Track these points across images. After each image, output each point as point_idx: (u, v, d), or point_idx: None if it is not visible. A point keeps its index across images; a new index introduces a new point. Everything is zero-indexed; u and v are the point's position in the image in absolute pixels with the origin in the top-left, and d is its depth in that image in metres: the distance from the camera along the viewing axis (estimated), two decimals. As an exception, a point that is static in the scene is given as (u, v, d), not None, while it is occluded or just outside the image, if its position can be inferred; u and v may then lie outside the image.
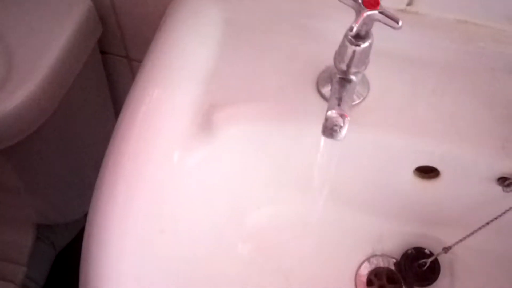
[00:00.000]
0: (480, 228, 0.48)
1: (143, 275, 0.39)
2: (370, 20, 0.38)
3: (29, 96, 0.52)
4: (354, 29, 0.37)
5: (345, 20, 0.40)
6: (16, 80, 0.52)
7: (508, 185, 0.45)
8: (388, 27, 0.38)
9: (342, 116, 0.40)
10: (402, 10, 0.50)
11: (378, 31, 0.39)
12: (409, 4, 0.50)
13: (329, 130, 0.40)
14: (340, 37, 0.42)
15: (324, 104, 0.46)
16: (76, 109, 0.65)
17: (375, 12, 0.37)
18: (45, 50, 0.54)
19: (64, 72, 0.56)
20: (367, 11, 0.37)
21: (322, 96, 0.47)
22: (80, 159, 0.77)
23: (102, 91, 0.72)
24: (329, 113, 0.40)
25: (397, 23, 0.37)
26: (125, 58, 0.69)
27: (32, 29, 0.55)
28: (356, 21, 0.37)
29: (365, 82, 0.47)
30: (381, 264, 0.54)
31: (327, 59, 0.46)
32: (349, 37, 0.40)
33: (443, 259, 0.52)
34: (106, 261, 0.38)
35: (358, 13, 0.37)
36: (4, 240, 0.87)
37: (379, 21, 0.37)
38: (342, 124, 0.40)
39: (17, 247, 0.88)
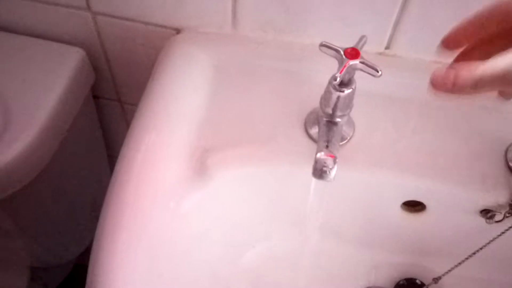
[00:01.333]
0: (467, 258, 0.49)
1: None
2: (352, 70, 0.40)
3: (26, 148, 0.53)
4: (338, 79, 0.40)
5: (327, 63, 0.42)
6: (12, 132, 0.53)
7: (490, 217, 0.47)
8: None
9: (331, 157, 0.42)
10: (381, 53, 0.53)
11: (361, 73, 0.41)
12: (387, 47, 0.52)
13: (319, 171, 0.42)
14: (324, 78, 0.44)
15: (313, 145, 0.48)
16: (70, 155, 0.66)
17: (357, 62, 0.39)
18: (40, 101, 0.55)
19: (59, 122, 0.57)
20: (349, 61, 0.39)
21: (310, 137, 0.49)
22: (74, 202, 0.77)
23: (95, 134, 0.73)
24: (318, 155, 0.42)
25: (377, 71, 0.39)
26: (117, 101, 0.71)
27: (27, 81, 0.57)
28: (339, 70, 0.40)
29: (350, 122, 0.50)
30: (375, 296, 0.55)
31: (313, 101, 0.48)
32: (333, 84, 0.42)
33: (433, 289, 0.54)
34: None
35: (341, 63, 0.40)
36: (-1, 284, 0.87)
37: (361, 70, 0.40)
38: (331, 166, 0.42)
39: (12, 291, 0.87)
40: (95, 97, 0.70)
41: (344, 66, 0.39)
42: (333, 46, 0.40)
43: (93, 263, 0.42)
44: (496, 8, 0.33)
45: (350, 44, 0.41)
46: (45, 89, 0.56)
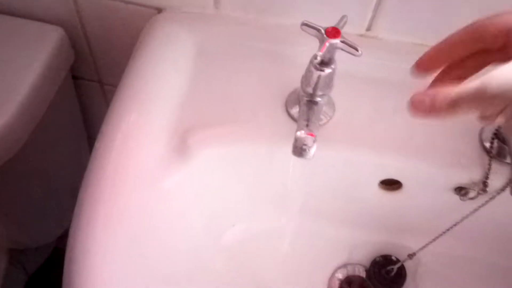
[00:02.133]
0: (441, 235, 0.51)
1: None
2: (333, 49, 0.41)
3: (3, 126, 0.52)
4: (318, 57, 0.40)
5: (310, 45, 0.43)
6: (-9, 109, 0.53)
7: (464, 194, 0.49)
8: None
9: (310, 136, 0.42)
10: (362, 35, 0.54)
11: (341, 54, 0.42)
12: (368, 29, 0.53)
13: (299, 149, 0.43)
14: (305, 60, 0.45)
15: (293, 124, 0.49)
16: (49, 135, 0.65)
17: (337, 41, 0.40)
18: (18, 80, 0.55)
19: (38, 101, 0.57)
20: (330, 40, 0.40)
21: (291, 116, 0.50)
22: (53, 185, 0.77)
23: (74, 115, 0.72)
24: (298, 133, 0.43)
25: (357, 50, 0.40)
26: (97, 82, 0.70)
27: (5, 59, 0.56)
28: (320, 49, 0.40)
29: (331, 103, 0.50)
30: (353, 272, 0.57)
31: (294, 82, 0.49)
32: (314, 63, 0.43)
33: (409, 265, 0.56)
34: (89, 284, 0.39)
35: (322, 42, 0.40)
36: (-24, 267, 0.86)
37: (341, 49, 0.40)
38: (310, 144, 0.42)
39: (-11, 273, 0.87)
40: (75, 77, 0.69)
41: (325, 45, 0.40)
42: (314, 25, 0.40)
43: (71, 242, 0.42)
44: (466, 31, 0.34)
45: (331, 25, 0.41)
46: (23, 68, 0.56)
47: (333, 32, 0.40)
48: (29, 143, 0.59)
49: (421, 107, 0.32)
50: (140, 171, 0.45)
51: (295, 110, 0.49)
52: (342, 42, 0.40)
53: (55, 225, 0.87)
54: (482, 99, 0.30)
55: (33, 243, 0.90)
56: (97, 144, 0.47)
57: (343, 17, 0.42)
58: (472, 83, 0.30)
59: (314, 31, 0.41)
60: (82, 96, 0.73)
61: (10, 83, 0.55)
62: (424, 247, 0.52)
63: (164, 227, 0.47)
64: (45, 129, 0.62)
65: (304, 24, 0.41)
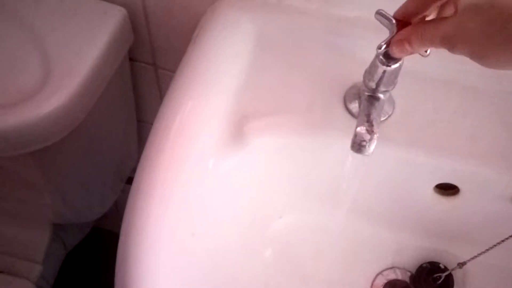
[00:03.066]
0: (495, 246, 0.49)
1: (176, 275, 0.41)
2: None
3: (64, 102, 0.53)
4: (383, 47, 0.39)
5: (373, 39, 0.42)
6: (52, 86, 0.54)
7: (525, 205, 0.47)
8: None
9: (370, 132, 0.42)
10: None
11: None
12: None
13: (358, 145, 0.42)
14: (366, 54, 0.44)
15: (350, 119, 0.48)
16: (103, 115, 0.66)
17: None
18: (81, 58, 0.56)
19: (97, 80, 0.58)
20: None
21: (349, 111, 0.49)
22: (101, 164, 0.79)
23: (127, 95, 0.74)
24: (359, 129, 0.42)
25: (426, 51, 0.39)
26: (151, 65, 0.71)
27: (69, 36, 0.57)
28: (386, 40, 0.39)
29: (390, 100, 0.49)
30: (397, 277, 0.55)
31: (354, 76, 0.48)
32: (381, 57, 0.42)
33: (457, 274, 0.54)
34: (143, 260, 0.40)
35: (393, 33, 0.39)
36: (22, 238, 0.89)
37: None
38: (370, 140, 0.41)
39: (34, 245, 0.89)
40: (131, 59, 0.70)
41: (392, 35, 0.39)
42: (388, 15, 0.39)
43: (127, 219, 0.43)
44: None
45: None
46: (86, 45, 0.57)
47: (405, 25, 0.39)
48: (84, 122, 0.60)
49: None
50: (196, 154, 0.46)
51: (353, 105, 0.48)
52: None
53: (98, 204, 0.89)
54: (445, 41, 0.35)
55: (77, 219, 0.92)
56: (155, 125, 0.47)
57: None
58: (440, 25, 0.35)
59: (386, 22, 0.40)
60: (136, 79, 0.74)
61: (71, 60, 0.56)
62: (476, 257, 0.50)
63: (215, 210, 0.48)
64: (99, 109, 0.63)
65: (379, 13, 0.40)
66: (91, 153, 0.72)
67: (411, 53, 0.38)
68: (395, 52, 0.39)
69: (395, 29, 0.39)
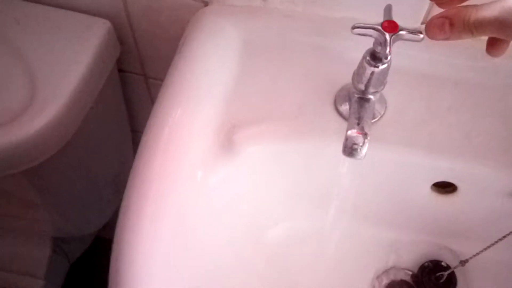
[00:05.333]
0: (497, 242, 0.48)
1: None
2: (395, 41, 0.38)
3: (51, 119, 0.53)
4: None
5: (361, 39, 0.41)
6: (39, 103, 0.53)
7: (525, 200, 0.46)
8: (403, 46, 0.39)
9: (362, 135, 0.41)
10: (416, 29, 0.51)
11: (393, 49, 0.40)
12: (423, 22, 0.51)
13: (349, 149, 0.41)
14: (354, 55, 0.43)
15: (342, 122, 0.47)
16: (95, 128, 0.66)
17: (400, 33, 0.38)
18: (67, 73, 0.55)
19: (85, 94, 0.57)
20: (392, 34, 0.38)
21: (340, 114, 0.48)
22: (97, 175, 0.78)
23: (119, 108, 0.73)
24: (349, 132, 0.41)
25: (420, 34, 0.38)
26: (142, 76, 0.70)
27: (54, 52, 0.56)
28: (386, 49, 0.38)
29: (382, 99, 0.48)
30: (398, 277, 0.54)
31: (344, 78, 0.47)
32: (368, 58, 0.41)
33: (460, 272, 0.53)
34: (135, 280, 0.39)
35: (383, 39, 0.38)
36: (22, 253, 0.89)
37: (404, 39, 0.38)
38: (362, 143, 0.41)
39: (34, 260, 0.89)
40: (120, 70, 0.69)
41: (389, 40, 0.37)
42: (368, 25, 0.38)
43: (119, 234, 0.42)
44: None
45: (378, 18, 0.39)
46: (72, 60, 0.56)
47: (390, 26, 0.38)
48: (76, 136, 0.60)
49: (439, 32, 0.33)
50: (186, 167, 0.45)
51: (344, 107, 0.48)
52: (404, 31, 0.38)
53: (98, 216, 0.89)
54: (502, 26, 0.30)
55: (76, 232, 0.92)
56: (144, 138, 0.46)
57: (387, 7, 0.40)
58: (493, 7, 0.30)
59: (370, 31, 0.38)
60: (127, 90, 0.73)
61: (58, 76, 0.55)
62: (478, 254, 0.49)
63: (208, 223, 0.47)
64: (91, 122, 0.62)
65: (356, 27, 0.38)
66: (85, 167, 0.71)
67: (446, 38, 0.33)
68: (431, 32, 0.34)
69: (384, 34, 0.38)
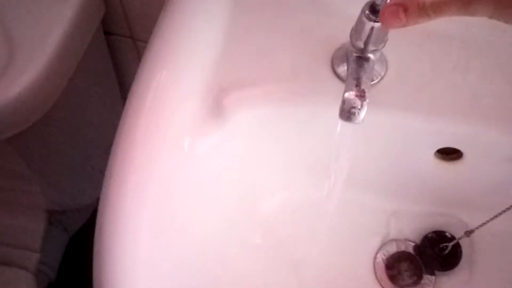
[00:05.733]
0: (504, 211, 0.46)
1: (156, 264, 0.38)
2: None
3: (32, 82, 0.50)
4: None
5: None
6: (18, 66, 0.50)
7: (536, 167, 0.43)
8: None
9: (360, 97, 0.38)
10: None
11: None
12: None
13: (347, 112, 0.38)
14: (354, 10, 0.39)
15: (340, 84, 0.44)
16: (82, 93, 0.63)
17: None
18: (47, 34, 0.52)
19: (67, 56, 0.54)
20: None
21: (338, 75, 0.45)
22: (89, 144, 0.76)
23: (107, 72, 0.70)
24: (347, 94, 0.38)
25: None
26: (129, 38, 0.67)
27: (32, 12, 0.53)
28: None
29: (382, 60, 0.45)
30: (401, 248, 0.52)
31: (343, 36, 0.44)
32: (367, 12, 0.38)
33: (465, 243, 0.51)
34: (120, 251, 0.37)
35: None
36: (16, 226, 0.87)
37: None
38: (360, 107, 0.38)
39: (29, 233, 0.88)
40: (107, 33, 0.66)
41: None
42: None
43: (103, 205, 0.40)
44: None
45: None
46: (52, 20, 0.53)
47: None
48: (60, 101, 0.57)
49: (395, 17, 0.32)
50: (172, 133, 0.42)
51: (342, 68, 0.44)
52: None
53: (93, 187, 0.87)
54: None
55: (72, 204, 0.90)
56: (127, 103, 0.44)
57: None
58: None
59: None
60: (115, 54, 0.70)
61: (37, 38, 0.52)
62: (484, 224, 0.47)
63: (197, 194, 0.44)
64: (77, 86, 0.60)
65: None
66: (74, 135, 0.69)
67: (403, 25, 0.32)
68: (385, 21, 0.33)
69: None
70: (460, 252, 0.51)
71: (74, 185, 0.81)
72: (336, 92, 0.43)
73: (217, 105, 0.43)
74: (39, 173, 0.72)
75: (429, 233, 0.52)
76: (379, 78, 0.45)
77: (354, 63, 0.41)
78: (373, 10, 0.37)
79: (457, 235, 0.50)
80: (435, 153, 0.47)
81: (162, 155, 0.41)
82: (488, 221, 0.47)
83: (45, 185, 0.77)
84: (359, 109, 0.38)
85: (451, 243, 0.50)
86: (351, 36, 0.41)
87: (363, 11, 0.38)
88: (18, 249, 0.87)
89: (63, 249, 1.00)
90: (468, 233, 0.49)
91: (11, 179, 0.73)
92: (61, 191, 0.81)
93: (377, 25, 0.38)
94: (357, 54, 0.41)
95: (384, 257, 0.52)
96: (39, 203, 0.85)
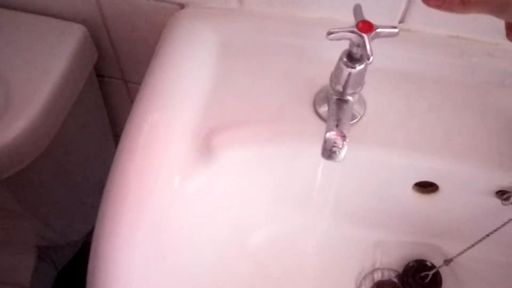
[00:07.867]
0: (480, 240, 0.48)
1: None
2: (372, 40, 0.38)
3: (27, 126, 0.52)
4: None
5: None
6: (14, 111, 0.52)
7: (506, 198, 0.46)
8: (381, 45, 0.39)
9: (341, 137, 0.40)
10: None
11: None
12: (401, 21, 0.50)
13: (328, 151, 0.40)
14: (333, 55, 0.42)
15: (322, 124, 0.47)
16: (74, 134, 0.65)
17: (376, 31, 0.37)
18: (42, 79, 0.54)
19: (62, 100, 0.56)
20: (369, 35, 0.37)
21: (319, 116, 0.47)
22: (79, 183, 0.77)
23: (99, 113, 0.72)
24: (328, 134, 0.40)
25: (395, 28, 0.38)
26: (121, 80, 0.69)
27: (28, 58, 0.55)
28: (367, 50, 0.37)
29: (361, 100, 0.48)
30: (384, 277, 0.54)
31: (323, 79, 0.47)
32: (344, 59, 0.41)
33: (444, 271, 0.53)
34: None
35: (362, 40, 0.37)
36: (6, 263, 0.87)
37: (380, 37, 0.38)
38: (341, 146, 0.40)
39: (19, 269, 0.87)
40: (99, 76, 0.68)
41: (367, 40, 0.37)
42: (343, 29, 0.37)
43: (95, 244, 0.41)
44: None
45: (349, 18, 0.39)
46: (47, 67, 0.55)
47: (365, 26, 0.38)
48: (54, 142, 0.58)
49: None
50: (164, 173, 0.44)
51: (323, 109, 0.47)
52: (380, 29, 0.37)
53: (82, 223, 0.88)
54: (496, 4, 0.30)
55: (61, 240, 0.90)
56: (120, 144, 0.45)
57: (356, 6, 0.39)
58: None
59: (346, 34, 0.38)
60: (107, 95, 0.72)
61: (33, 82, 0.54)
62: (462, 253, 0.49)
63: (188, 230, 0.46)
64: (70, 128, 0.61)
65: (331, 33, 0.38)
66: (66, 174, 0.70)
67: (438, 6, 0.32)
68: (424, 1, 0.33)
69: (361, 35, 0.37)
70: (441, 280, 0.53)
71: (64, 221, 0.82)
72: (318, 131, 0.45)
73: (206, 146, 0.45)
74: (30, 210, 0.73)
75: (410, 262, 0.54)
76: (359, 117, 0.47)
77: (334, 105, 0.43)
78: (350, 58, 0.40)
79: (437, 264, 0.52)
80: (413, 186, 0.49)
81: (154, 194, 0.43)
82: (465, 250, 0.49)
83: (36, 222, 0.77)
84: (340, 148, 0.40)
85: (431, 272, 0.52)
86: (330, 81, 0.43)
87: (341, 58, 0.41)
88: (7, 285, 0.86)
89: (51, 283, 0.99)
90: (447, 262, 0.51)
91: (3, 217, 0.74)
92: (51, 227, 0.81)
93: (354, 71, 0.41)
94: (337, 97, 0.43)
95: (369, 285, 0.54)
96: (28, 239, 0.85)
